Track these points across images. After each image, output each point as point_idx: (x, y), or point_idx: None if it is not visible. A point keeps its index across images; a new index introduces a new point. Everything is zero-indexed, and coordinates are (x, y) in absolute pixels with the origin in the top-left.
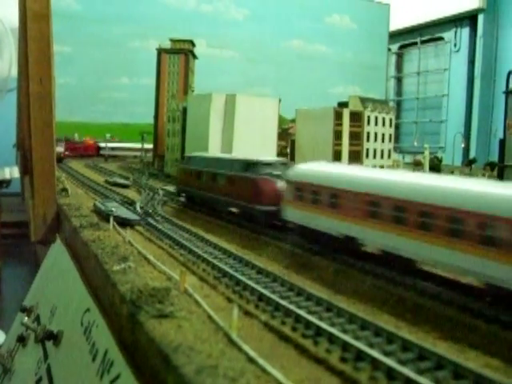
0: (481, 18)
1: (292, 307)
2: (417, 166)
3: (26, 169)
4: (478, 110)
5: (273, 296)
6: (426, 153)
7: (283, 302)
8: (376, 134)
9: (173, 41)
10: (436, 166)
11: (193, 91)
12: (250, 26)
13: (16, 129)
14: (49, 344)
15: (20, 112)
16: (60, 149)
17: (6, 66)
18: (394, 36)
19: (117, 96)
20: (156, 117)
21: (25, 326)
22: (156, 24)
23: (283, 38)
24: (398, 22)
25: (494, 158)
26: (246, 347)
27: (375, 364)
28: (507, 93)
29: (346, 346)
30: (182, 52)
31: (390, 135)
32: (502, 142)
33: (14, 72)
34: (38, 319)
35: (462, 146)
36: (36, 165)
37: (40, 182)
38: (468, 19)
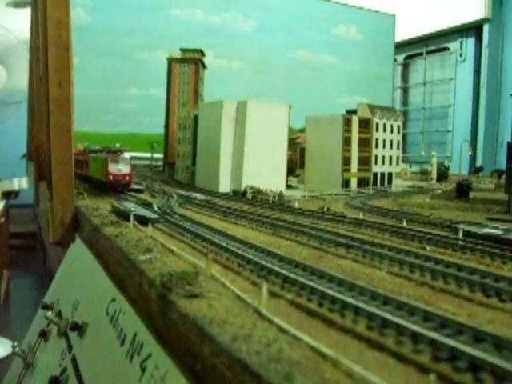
0: (486, 28)
1: (317, 286)
2: (424, 174)
3: (41, 175)
4: (484, 120)
5: (298, 278)
6: (434, 160)
7: (308, 282)
8: (384, 141)
9: (183, 50)
10: (443, 174)
11: (202, 100)
12: (257, 37)
13: (27, 139)
14: (73, 336)
15: (32, 120)
16: (123, 168)
17: (25, 78)
18: (400, 47)
19: (126, 106)
20: (166, 125)
21: (48, 320)
22: (164, 35)
23: (290, 49)
24: (403, 33)
25: (501, 166)
26: (276, 319)
27: (400, 330)
28: None
29: (371, 317)
30: (192, 61)
31: (398, 142)
32: (510, 144)
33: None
34: (59, 315)
35: (469, 153)
36: (55, 168)
37: (58, 185)
38: (473, 29)
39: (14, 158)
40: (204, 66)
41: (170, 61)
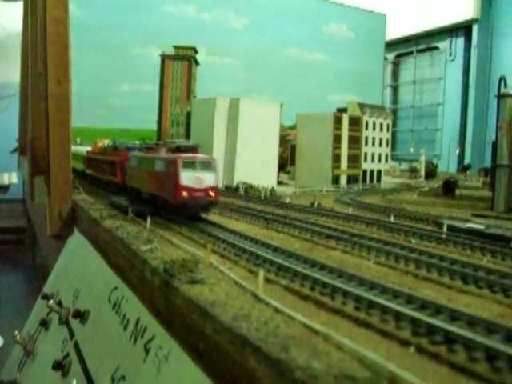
0: (475, 28)
1: (310, 273)
2: (413, 172)
3: (36, 169)
4: (473, 119)
5: (292, 266)
6: (422, 158)
7: (301, 269)
8: (374, 139)
9: (176, 47)
10: (431, 172)
11: (195, 97)
12: (249, 35)
13: (18, 133)
14: (75, 323)
15: (25, 114)
16: (205, 177)
17: (16, 72)
18: (391, 45)
19: (118, 102)
20: (159, 122)
21: (49, 309)
22: (156, 32)
23: (282, 47)
24: (394, 32)
25: (489, 164)
26: (273, 302)
27: (385, 310)
28: (499, 96)
29: (358, 299)
30: (185, 58)
31: (387, 140)
32: (495, 144)
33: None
34: (59, 304)
35: (457, 152)
36: (53, 163)
37: (57, 179)
38: (463, 29)
39: (2, 153)
40: (197, 63)
41: (163, 58)
